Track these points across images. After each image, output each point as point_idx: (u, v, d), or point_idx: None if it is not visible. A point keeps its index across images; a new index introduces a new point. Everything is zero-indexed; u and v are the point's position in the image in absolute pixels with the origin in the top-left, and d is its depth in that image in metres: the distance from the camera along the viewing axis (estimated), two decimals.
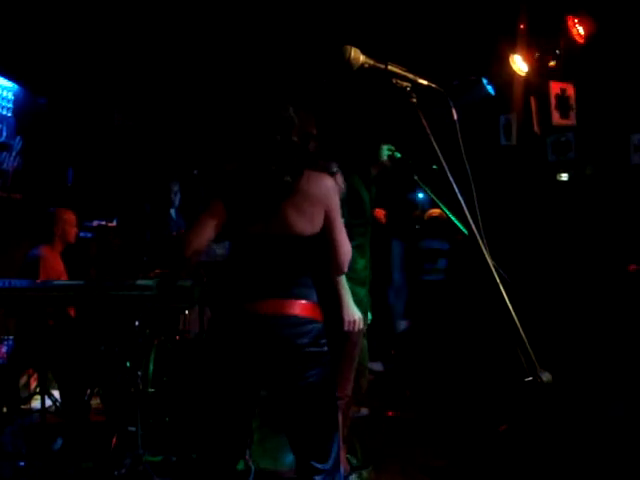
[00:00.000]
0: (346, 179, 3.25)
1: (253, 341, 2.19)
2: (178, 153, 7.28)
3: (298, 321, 2.20)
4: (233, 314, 2.25)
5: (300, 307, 2.21)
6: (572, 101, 5.31)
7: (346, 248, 2.38)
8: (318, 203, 2.24)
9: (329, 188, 2.28)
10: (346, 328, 3.02)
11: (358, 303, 3.14)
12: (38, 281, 3.87)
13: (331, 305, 2.89)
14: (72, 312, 4.33)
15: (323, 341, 2.24)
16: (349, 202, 3.20)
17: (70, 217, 4.51)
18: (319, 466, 2.22)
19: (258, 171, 2.25)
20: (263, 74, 6.32)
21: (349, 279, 3.06)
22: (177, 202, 6.04)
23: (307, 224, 2.23)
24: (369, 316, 3.43)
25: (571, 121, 5.34)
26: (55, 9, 5.17)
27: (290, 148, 2.25)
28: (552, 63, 5.48)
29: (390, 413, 3.88)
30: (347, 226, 3.21)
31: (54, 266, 4.36)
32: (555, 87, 5.33)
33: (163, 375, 3.98)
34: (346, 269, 2.43)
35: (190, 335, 4.63)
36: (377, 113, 3.55)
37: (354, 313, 3.03)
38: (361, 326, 3.10)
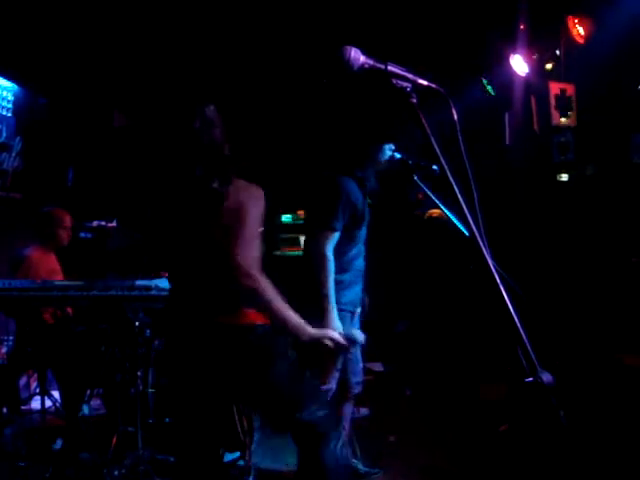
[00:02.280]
0: (340, 182, 3.28)
1: (211, 351, 2.21)
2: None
3: (246, 329, 2.21)
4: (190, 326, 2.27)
5: (247, 315, 2.22)
6: (573, 101, 5.32)
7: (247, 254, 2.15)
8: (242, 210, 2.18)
9: (258, 197, 2.22)
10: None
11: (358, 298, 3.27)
12: (38, 281, 3.87)
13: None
14: (71, 311, 4.33)
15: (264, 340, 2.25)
16: (345, 206, 3.22)
17: (64, 218, 4.50)
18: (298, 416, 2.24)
19: (182, 179, 2.23)
20: (264, 74, 6.32)
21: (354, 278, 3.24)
22: None
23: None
24: (358, 309, 3.47)
25: (571, 121, 5.35)
26: (55, 9, 5.17)
27: (217, 151, 2.23)
28: (549, 66, 5.49)
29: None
30: (344, 229, 3.25)
31: (43, 266, 4.36)
32: (554, 87, 5.34)
33: (163, 375, 3.98)
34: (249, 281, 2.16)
35: None
36: (375, 113, 3.54)
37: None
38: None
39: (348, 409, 3.57)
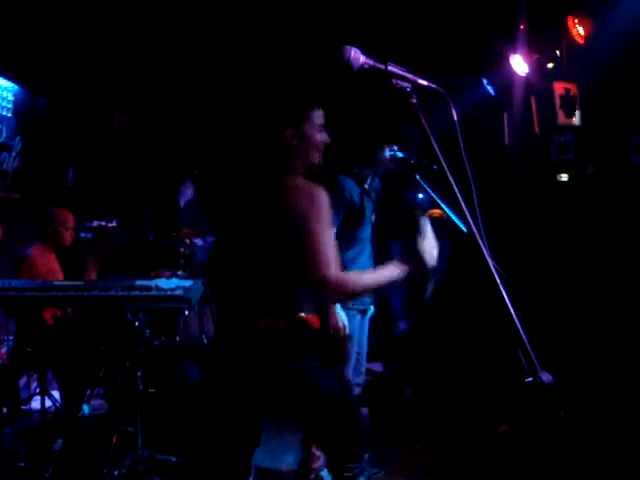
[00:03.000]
0: (340, 182, 3.29)
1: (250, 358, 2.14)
2: (178, 153, 7.27)
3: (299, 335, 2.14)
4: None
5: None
6: (577, 101, 5.32)
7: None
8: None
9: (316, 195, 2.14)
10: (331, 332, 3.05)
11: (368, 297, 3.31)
12: (38, 281, 3.87)
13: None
14: (71, 312, 4.33)
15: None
16: (339, 201, 3.22)
17: (67, 219, 4.49)
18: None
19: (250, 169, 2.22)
20: (263, 74, 6.31)
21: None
22: (190, 196, 6.02)
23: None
24: (371, 309, 3.47)
25: (576, 121, 5.34)
26: (55, 9, 5.17)
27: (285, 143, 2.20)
28: (550, 65, 5.48)
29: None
30: (343, 227, 3.25)
31: (44, 265, 4.35)
32: (559, 87, 5.33)
33: (163, 375, 3.98)
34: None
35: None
36: (376, 113, 3.55)
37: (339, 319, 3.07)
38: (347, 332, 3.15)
39: None
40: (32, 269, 4.26)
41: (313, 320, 2.17)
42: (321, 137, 2.23)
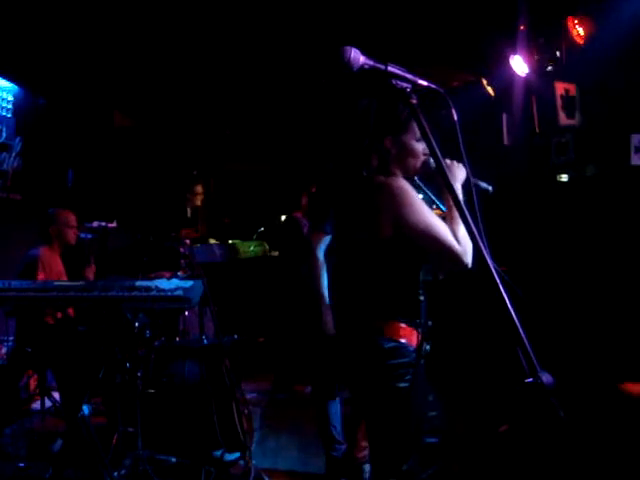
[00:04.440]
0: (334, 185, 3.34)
1: None
2: (178, 153, 7.29)
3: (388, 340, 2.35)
4: None
5: None
6: (576, 101, 5.31)
7: None
8: None
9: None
10: None
11: None
12: (38, 281, 3.87)
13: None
14: (72, 312, 4.33)
15: None
16: None
17: (70, 218, 4.51)
18: None
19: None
20: (263, 74, 6.33)
21: None
22: None
23: None
24: None
25: (576, 121, 5.33)
26: (55, 9, 5.17)
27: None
28: (549, 68, 5.47)
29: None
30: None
31: (53, 266, 4.36)
32: (560, 87, 5.32)
33: (163, 375, 3.98)
34: None
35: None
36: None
37: None
38: None
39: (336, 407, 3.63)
40: (47, 269, 4.27)
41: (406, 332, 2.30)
42: (419, 146, 2.26)
